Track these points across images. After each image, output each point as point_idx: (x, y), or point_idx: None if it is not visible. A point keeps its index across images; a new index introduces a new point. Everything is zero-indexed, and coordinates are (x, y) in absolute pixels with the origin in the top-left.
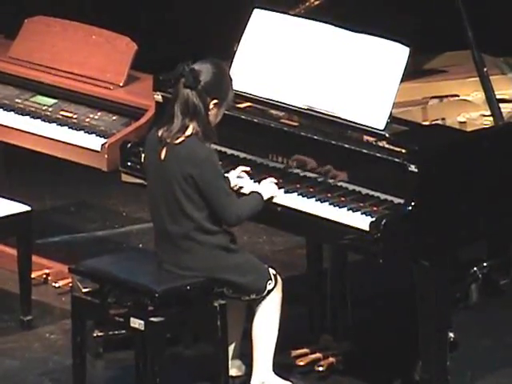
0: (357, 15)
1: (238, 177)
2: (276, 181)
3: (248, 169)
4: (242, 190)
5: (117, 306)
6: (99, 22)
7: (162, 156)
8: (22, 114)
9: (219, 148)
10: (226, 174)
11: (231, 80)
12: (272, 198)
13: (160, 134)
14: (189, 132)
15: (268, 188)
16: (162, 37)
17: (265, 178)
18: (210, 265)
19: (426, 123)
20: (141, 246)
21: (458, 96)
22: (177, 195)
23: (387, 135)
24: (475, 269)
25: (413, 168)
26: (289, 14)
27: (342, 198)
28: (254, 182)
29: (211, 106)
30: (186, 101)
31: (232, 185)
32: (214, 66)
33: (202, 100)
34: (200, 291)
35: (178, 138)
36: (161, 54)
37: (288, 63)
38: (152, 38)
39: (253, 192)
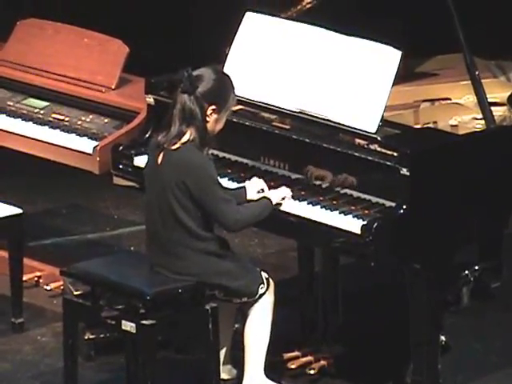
0: (348, 19)
1: (260, 191)
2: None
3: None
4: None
5: (108, 309)
6: (91, 25)
7: (159, 161)
8: (14, 117)
9: (211, 151)
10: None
11: (233, 88)
12: (280, 203)
13: (159, 138)
14: (185, 138)
15: (279, 194)
16: (154, 40)
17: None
18: (201, 270)
19: (418, 126)
20: (132, 248)
21: (450, 99)
22: (170, 201)
23: (379, 138)
24: (466, 272)
25: (404, 171)
26: (280, 17)
27: (334, 201)
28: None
29: (209, 111)
30: (182, 106)
31: (250, 197)
32: (214, 73)
33: (198, 105)
34: (191, 294)
35: (174, 144)
36: (152, 57)
37: (280, 66)
38: (143, 41)
39: (261, 198)
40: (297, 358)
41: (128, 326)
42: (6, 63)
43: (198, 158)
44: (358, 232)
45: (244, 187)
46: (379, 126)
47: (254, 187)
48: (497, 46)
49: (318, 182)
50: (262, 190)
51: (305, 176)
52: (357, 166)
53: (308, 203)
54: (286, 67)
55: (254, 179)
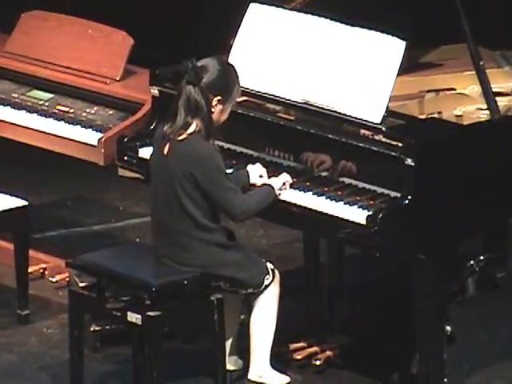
0: (353, 9)
1: (261, 176)
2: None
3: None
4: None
5: (114, 301)
6: (96, 17)
7: (165, 151)
8: (19, 109)
9: (216, 142)
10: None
11: (237, 77)
12: (282, 190)
13: (165, 129)
14: (191, 129)
15: (280, 180)
16: (159, 31)
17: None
18: (207, 261)
19: (423, 117)
20: (137, 240)
21: (455, 90)
22: (176, 191)
23: (384, 129)
24: (472, 262)
25: (409, 161)
26: (285, 8)
27: (339, 192)
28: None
29: (214, 102)
30: (188, 97)
31: (253, 181)
32: (218, 63)
33: (204, 96)
34: (197, 285)
35: (180, 135)
36: (157, 48)
37: (284, 57)
38: (148, 33)
39: (263, 185)
40: (303, 348)
41: (134, 317)
42: (10, 55)
43: (205, 148)
44: (363, 222)
45: (246, 170)
46: (384, 116)
47: (256, 172)
48: (501, 36)
49: (320, 168)
50: (262, 176)
51: (305, 165)
52: (362, 156)
53: (313, 194)
54: (291, 58)
55: (257, 165)
